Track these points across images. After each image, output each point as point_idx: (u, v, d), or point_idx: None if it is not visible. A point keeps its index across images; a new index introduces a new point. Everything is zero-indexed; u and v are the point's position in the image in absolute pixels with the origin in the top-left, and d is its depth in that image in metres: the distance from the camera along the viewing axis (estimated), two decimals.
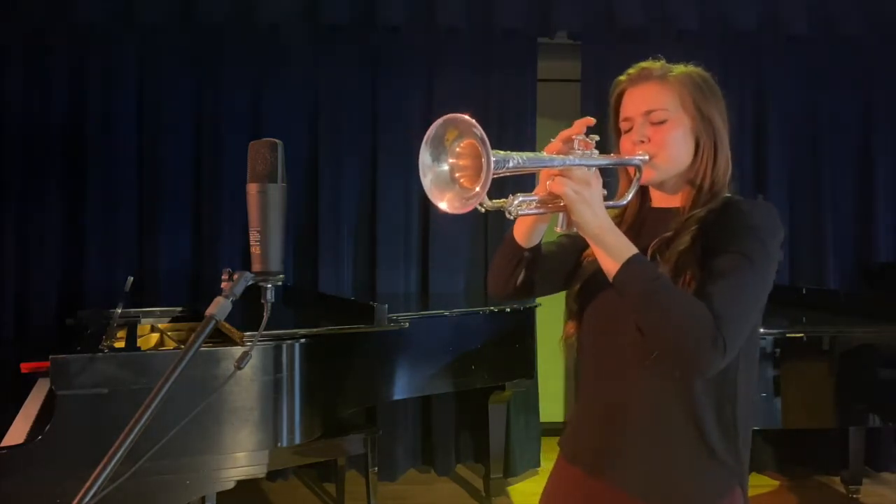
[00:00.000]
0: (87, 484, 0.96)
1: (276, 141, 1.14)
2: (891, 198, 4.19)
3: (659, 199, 1.39)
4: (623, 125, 1.35)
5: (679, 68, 1.34)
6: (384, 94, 4.02)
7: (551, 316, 4.56)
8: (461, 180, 1.11)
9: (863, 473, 3.65)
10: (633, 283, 1.18)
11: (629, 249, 1.20)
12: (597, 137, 1.24)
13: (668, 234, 1.27)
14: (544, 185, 1.21)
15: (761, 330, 2.64)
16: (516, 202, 1.17)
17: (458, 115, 1.07)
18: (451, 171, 1.12)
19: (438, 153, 1.11)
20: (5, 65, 3.78)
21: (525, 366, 3.43)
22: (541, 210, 1.23)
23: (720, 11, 4.02)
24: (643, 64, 1.35)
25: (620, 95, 1.37)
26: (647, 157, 1.30)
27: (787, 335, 2.71)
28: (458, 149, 1.11)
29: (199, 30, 3.88)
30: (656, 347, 1.20)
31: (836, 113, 4.18)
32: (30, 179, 3.80)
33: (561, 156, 1.21)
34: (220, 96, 3.92)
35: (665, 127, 1.30)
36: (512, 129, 4.06)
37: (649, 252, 1.25)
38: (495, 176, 1.05)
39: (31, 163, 3.80)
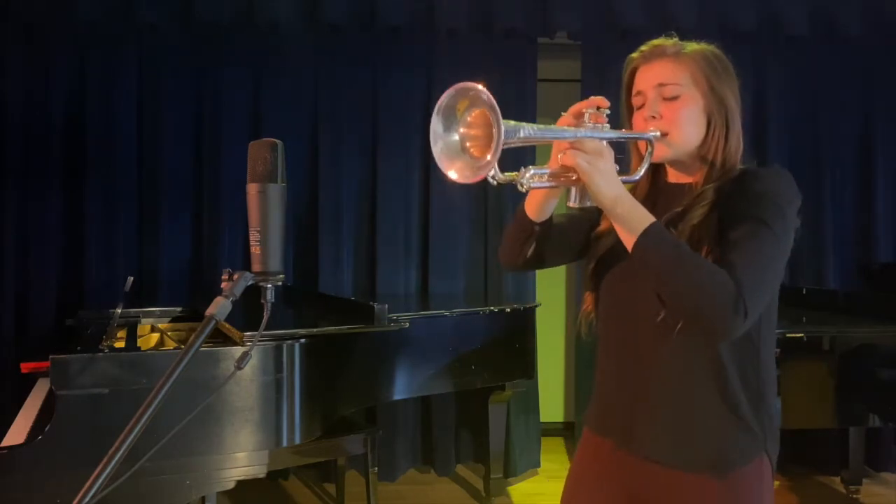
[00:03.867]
0: (87, 484, 0.96)
1: (276, 141, 1.14)
2: (891, 198, 4.19)
3: (674, 175, 1.40)
4: (635, 100, 1.35)
5: (692, 45, 1.34)
6: (384, 94, 4.02)
7: (551, 316, 4.58)
8: (471, 150, 1.12)
9: (863, 473, 3.66)
10: (652, 251, 1.18)
11: (647, 218, 1.20)
12: (607, 110, 1.24)
13: (679, 208, 1.28)
14: (556, 159, 1.22)
15: None
16: (528, 175, 1.18)
17: (470, 83, 1.07)
18: (461, 141, 1.12)
19: (449, 123, 1.12)
20: (5, 64, 3.78)
21: (525, 366, 3.43)
22: (553, 183, 1.23)
23: (720, 11, 4.02)
24: (656, 41, 1.35)
25: (633, 73, 1.37)
26: (658, 134, 1.30)
27: (787, 335, 2.71)
28: (468, 118, 1.11)
29: (199, 29, 3.88)
30: (677, 314, 1.20)
31: (836, 113, 4.18)
32: (30, 179, 3.79)
33: (572, 128, 1.21)
34: (220, 96, 3.92)
35: (677, 103, 1.30)
36: None
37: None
38: (506, 146, 1.05)
39: (31, 162, 3.79)
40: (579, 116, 1.23)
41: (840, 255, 4.18)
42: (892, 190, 4.20)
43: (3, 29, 3.76)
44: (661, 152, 1.32)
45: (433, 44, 4.01)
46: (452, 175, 1.11)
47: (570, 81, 4.23)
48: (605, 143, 1.21)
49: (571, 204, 1.26)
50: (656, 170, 1.41)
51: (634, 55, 1.37)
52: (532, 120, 4.25)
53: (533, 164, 1.24)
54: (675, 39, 1.35)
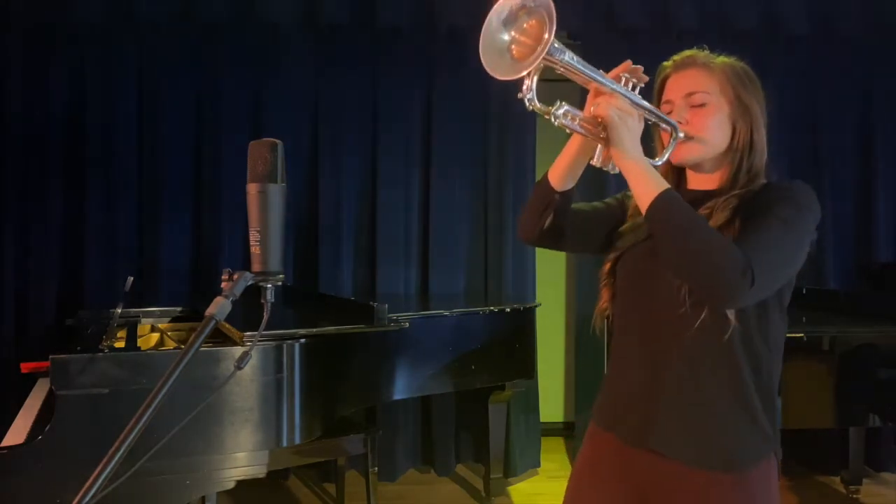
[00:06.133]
0: (87, 484, 0.96)
1: (276, 141, 1.14)
2: (891, 198, 4.19)
3: (695, 182, 1.43)
4: (664, 108, 1.40)
5: (722, 58, 1.39)
6: (384, 94, 4.01)
7: (551, 316, 4.58)
8: (514, 51, 1.15)
9: (863, 473, 3.65)
10: (668, 212, 1.21)
11: (664, 183, 1.24)
12: (645, 77, 1.30)
13: (707, 210, 1.30)
14: (589, 110, 1.26)
15: None
16: (562, 110, 1.21)
17: None
18: (509, 42, 1.16)
19: (506, 24, 1.16)
20: (5, 65, 3.78)
21: (525, 366, 3.43)
22: (582, 130, 1.26)
23: (720, 11, 4.02)
24: (688, 52, 1.41)
25: (664, 81, 1.42)
26: (682, 135, 1.35)
27: (787, 335, 2.70)
28: (525, 25, 1.15)
29: (199, 29, 3.88)
30: (685, 277, 1.23)
31: (836, 113, 4.18)
32: (30, 179, 3.79)
33: (610, 79, 1.26)
34: (220, 96, 3.92)
35: (704, 110, 1.35)
36: (512, 129, 4.06)
37: None
38: (547, 62, 1.10)
39: (31, 163, 3.79)
40: (617, 80, 1.28)
41: (840, 255, 4.18)
42: (892, 190, 4.20)
43: (3, 29, 3.76)
44: (687, 152, 1.36)
45: (433, 44, 4.01)
46: (483, 58, 1.15)
47: (570, 81, 4.22)
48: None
49: (594, 163, 1.30)
50: (679, 177, 1.46)
51: (667, 63, 1.42)
52: (532, 122, 4.28)
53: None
54: (707, 52, 1.40)
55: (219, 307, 1.08)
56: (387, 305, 2.71)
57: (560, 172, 1.36)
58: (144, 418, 0.99)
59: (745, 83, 1.36)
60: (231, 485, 2.20)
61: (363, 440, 2.97)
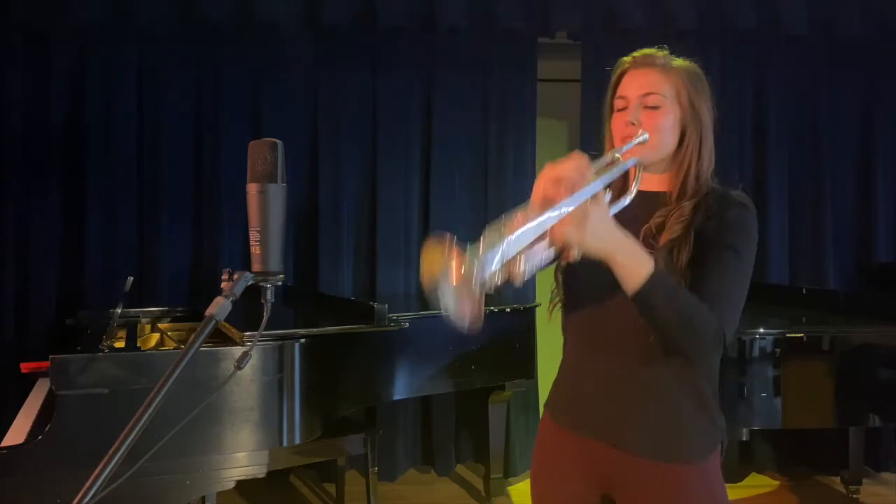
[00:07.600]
0: (87, 484, 0.96)
1: (276, 141, 1.14)
2: (891, 198, 4.19)
3: (644, 183, 1.44)
4: (618, 103, 1.43)
5: (679, 61, 1.42)
6: (384, 94, 4.02)
7: (551, 316, 4.57)
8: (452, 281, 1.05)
9: (863, 473, 3.65)
10: (656, 298, 1.23)
11: (644, 264, 1.22)
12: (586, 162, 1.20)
13: (660, 218, 1.36)
14: (554, 243, 1.22)
15: (761, 330, 2.68)
16: (522, 267, 1.17)
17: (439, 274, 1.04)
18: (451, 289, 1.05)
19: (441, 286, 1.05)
20: (5, 65, 3.78)
21: (525, 366, 3.43)
22: (552, 257, 1.27)
23: (720, 11, 4.02)
24: (647, 50, 1.43)
25: (621, 75, 1.45)
26: (646, 137, 1.37)
27: (787, 335, 2.71)
28: (449, 274, 1.05)
29: (199, 29, 3.88)
30: (667, 343, 1.30)
31: (836, 113, 4.18)
32: (30, 179, 3.79)
33: (549, 211, 1.15)
34: (220, 96, 3.92)
35: (657, 113, 1.38)
36: (512, 129, 4.06)
37: (640, 238, 1.31)
38: (484, 284, 1.04)
39: (31, 163, 3.79)
40: (549, 203, 1.17)
41: (840, 255, 4.17)
42: (892, 190, 4.20)
43: (3, 29, 3.76)
44: (637, 152, 1.38)
45: (433, 44, 4.01)
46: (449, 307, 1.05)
47: (570, 81, 4.23)
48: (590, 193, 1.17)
49: (573, 260, 1.23)
50: (627, 177, 1.43)
51: (626, 59, 1.45)
52: (532, 119, 4.27)
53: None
54: (666, 52, 1.43)
55: (219, 307, 1.08)
56: (387, 305, 2.72)
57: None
58: (144, 418, 0.99)
59: (698, 89, 1.40)
60: (231, 485, 2.20)
61: (363, 440, 2.97)
